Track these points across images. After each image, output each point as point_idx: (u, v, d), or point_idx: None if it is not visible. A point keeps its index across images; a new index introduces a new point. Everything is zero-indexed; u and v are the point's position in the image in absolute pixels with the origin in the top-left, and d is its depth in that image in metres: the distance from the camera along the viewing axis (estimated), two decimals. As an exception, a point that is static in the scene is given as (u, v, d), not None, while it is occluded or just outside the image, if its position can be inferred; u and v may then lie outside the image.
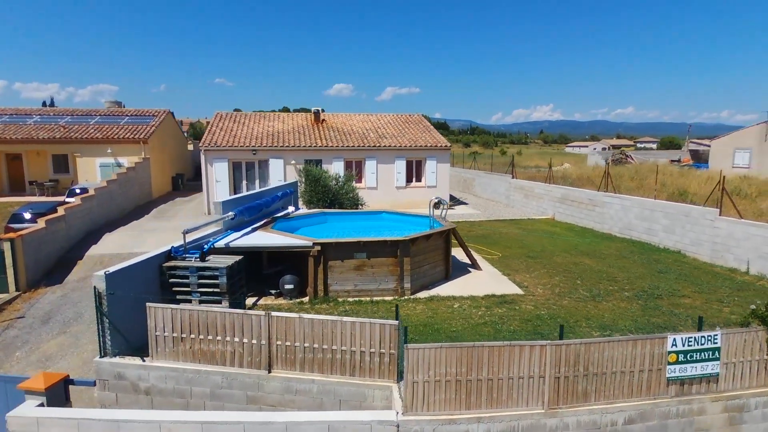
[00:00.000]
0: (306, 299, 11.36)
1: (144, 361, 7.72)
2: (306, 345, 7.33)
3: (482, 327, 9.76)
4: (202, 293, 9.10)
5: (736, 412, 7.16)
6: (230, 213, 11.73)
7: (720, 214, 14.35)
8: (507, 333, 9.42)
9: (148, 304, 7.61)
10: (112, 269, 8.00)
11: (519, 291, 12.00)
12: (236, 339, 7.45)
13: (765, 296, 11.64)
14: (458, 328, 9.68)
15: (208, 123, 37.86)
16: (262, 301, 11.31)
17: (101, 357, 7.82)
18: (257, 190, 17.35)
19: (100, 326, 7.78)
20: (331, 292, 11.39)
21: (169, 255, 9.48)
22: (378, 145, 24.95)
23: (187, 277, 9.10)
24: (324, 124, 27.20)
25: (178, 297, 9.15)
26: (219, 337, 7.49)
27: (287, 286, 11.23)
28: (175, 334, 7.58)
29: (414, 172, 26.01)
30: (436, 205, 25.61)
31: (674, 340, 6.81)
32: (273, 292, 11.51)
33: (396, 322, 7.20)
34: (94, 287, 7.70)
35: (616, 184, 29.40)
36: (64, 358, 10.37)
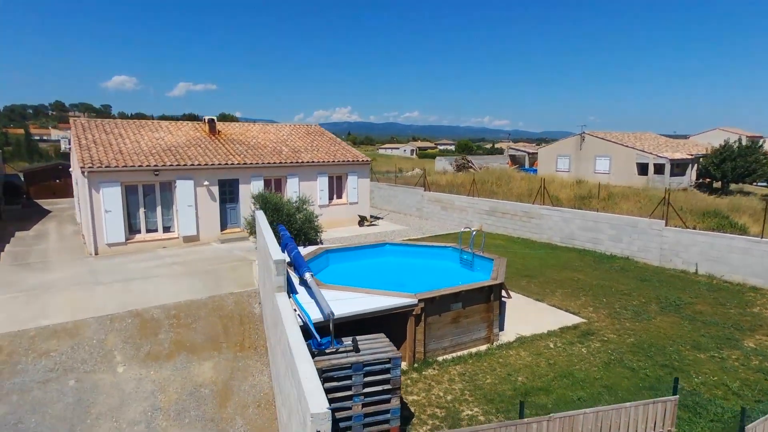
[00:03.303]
0: (404, 366, 9.59)
1: None
2: (587, 444, 6.16)
3: (615, 367, 9.65)
4: (367, 395, 6.83)
5: None
6: (307, 272, 9.11)
7: (666, 225, 17.00)
8: (648, 371, 9.50)
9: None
10: (320, 403, 5.37)
11: (578, 318, 12.22)
12: (511, 457, 5.82)
13: (737, 295, 14.21)
14: (599, 374, 9.38)
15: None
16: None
17: None
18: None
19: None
20: (427, 352, 9.85)
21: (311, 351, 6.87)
22: (298, 161, 22.63)
23: (348, 378, 6.71)
24: (221, 136, 23.45)
25: (332, 405, 6.71)
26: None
27: (383, 355, 9.29)
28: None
29: (335, 188, 24.39)
30: (360, 222, 24.62)
31: None
32: (362, 364, 9.38)
33: (675, 398, 6.57)
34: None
35: (492, 190, 32.40)
36: None
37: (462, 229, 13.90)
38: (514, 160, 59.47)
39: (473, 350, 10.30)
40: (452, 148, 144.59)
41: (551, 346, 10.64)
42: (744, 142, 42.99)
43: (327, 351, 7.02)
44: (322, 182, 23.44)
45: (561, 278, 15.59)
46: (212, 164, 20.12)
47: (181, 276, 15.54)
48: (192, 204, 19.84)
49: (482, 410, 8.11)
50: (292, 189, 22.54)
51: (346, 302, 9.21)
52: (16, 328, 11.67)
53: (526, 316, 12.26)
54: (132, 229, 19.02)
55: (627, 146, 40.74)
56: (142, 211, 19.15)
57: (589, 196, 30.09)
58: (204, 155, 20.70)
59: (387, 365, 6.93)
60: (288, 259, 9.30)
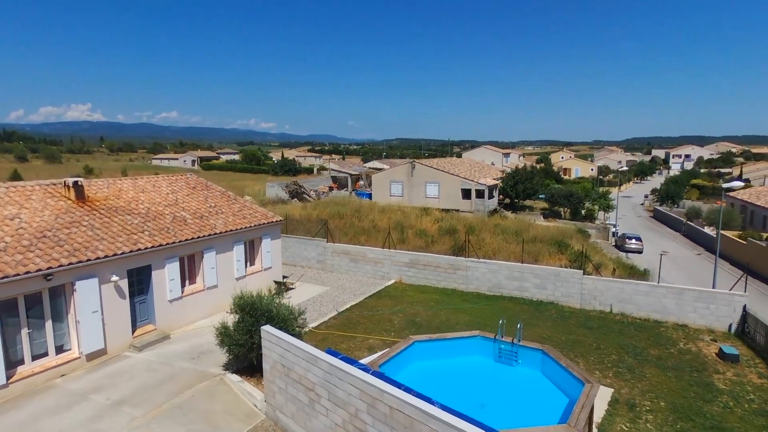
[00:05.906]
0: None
1: None
2: None
3: (691, 442, 11.54)
4: None
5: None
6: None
7: (584, 274, 20.54)
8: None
9: None
10: None
11: (606, 389, 13.86)
12: None
13: (654, 331, 18.21)
14: (689, 453, 11.11)
15: None
16: None
17: None
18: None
19: None
20: (568, 477, 10.04)
21: None
22: (214, 232, 19.08)
23: None
24: (96, 204, 17.99)
25: None
26: None
27: (558, 498, 9.15)
28: None
29: (248, 255, 21.36)
30: (278, 290, 22.30)
31: None
32: None
33: None
34: None
35: (361, 226, 33.08)
36: None
37: (501, 321, 14.12)
38: (337, 181, 60.91)
39: (584, 456, 10.92)
40: (237, 157, 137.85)
41: (626, 428, 12.05)
42: (509, 159, 53.86)
43: None
44: (239, 251, 20.30)
45: (532, 336, 17.29)
46: (122, 253, 15.43)
47: (150, 425, 11.79)
48: (97, 309, 14.92)
49: None
50: (209, 265, 18.95)
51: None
52: None
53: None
54: (12, 362, 13.26)
55: (452, 174, 46.37)
56: (25, 332, 13.51)
57: (453, 230, 33.31)
58: (101, 240, 15.69)
59: None
60: None
